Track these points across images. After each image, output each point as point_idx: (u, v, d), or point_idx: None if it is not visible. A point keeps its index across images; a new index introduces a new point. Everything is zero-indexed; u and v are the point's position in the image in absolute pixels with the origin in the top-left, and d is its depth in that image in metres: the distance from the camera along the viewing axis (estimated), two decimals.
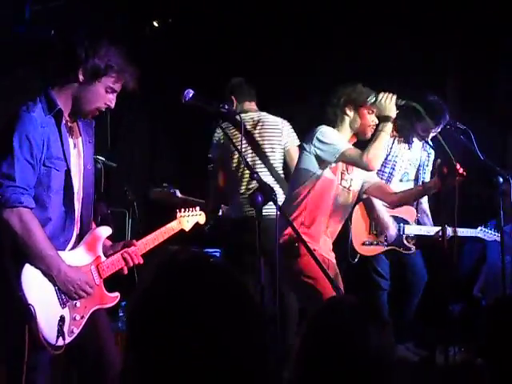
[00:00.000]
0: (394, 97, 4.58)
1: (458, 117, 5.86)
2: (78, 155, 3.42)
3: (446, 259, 4.67)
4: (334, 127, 4.67)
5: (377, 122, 4.67)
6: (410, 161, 5.72)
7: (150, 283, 1.58)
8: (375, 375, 1.93)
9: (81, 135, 3.45)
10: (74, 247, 3.42)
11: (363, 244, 5.56)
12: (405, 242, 5.67)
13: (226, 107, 3.84)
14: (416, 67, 6.84)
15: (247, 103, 5.73)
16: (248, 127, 5.57)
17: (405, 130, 5.60)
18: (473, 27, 6.87)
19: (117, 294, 3.54)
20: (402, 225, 5.67)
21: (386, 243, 5.62)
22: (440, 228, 5.24)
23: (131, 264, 3.54)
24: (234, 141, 5.32)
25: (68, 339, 3.28)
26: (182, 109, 5.63)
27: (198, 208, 4.20)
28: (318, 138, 4.54)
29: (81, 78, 3.28)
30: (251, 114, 5.65)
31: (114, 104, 3.42)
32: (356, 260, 5.52)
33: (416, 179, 5.81)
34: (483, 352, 2.33)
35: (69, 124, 3.38)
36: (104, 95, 3.36)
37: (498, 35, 6.79)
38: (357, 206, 5.52)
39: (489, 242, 6.53)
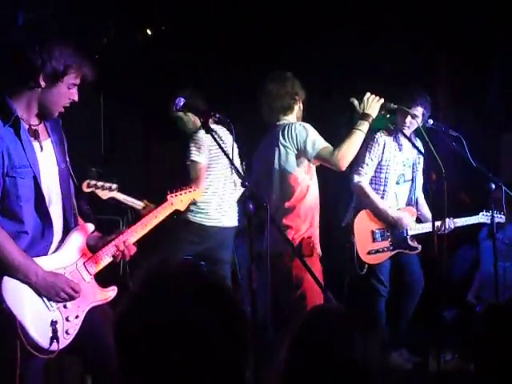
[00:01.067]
0: (381, 100, 4.63)
1: (450, 122, 5.89)
2: (47, 158, 3.37)
3: (437, 265, 4.67)
4: (286, 115, 4.78)
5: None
6: (403, 162, 5.73)
7: (138, 291, 1.59)
8: (362, 383, 1.93)
9: (50, 136, 3.40)
10: (58, 248, 3.39)
11: (369, 253, 5.50)
12: (410, 242, 5.65)
13: (217, 116, 3.85)
14: (406, 72, 6.86)
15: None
16: (224, 139, 5.58)
17: (392, 131, 5.61)
18: (463, 31, 6.89)
19: (113, 287, 3.51)
20: (382, 230, 5.63)
21: (391, 247, 5.59)
22: (441, 222, 5.25)
23: (123, 251, 3.48)
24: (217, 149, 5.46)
25: (65, 341, 3.27)
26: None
27: (192, 187, 4.13)
28: (300, 133, 4.64)
29: (42, 83, 3.23)
30: (216, 126, 5.58)
31: (77, 97, 3.34)
32: (365, 270, 5.48)
33: (412, 179, 5.81)
34: (475, 358, 2.33)
35: (33, 128, 3.32)
36: (67, 92, 3.30)
37: (488, 38, 6.81)
38: (357, 218, 5.51)
39: (482, 248, 6.56)
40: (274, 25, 7.23)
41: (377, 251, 5.54)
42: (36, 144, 3.32)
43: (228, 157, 5.09)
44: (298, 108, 4.84)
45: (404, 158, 5.72)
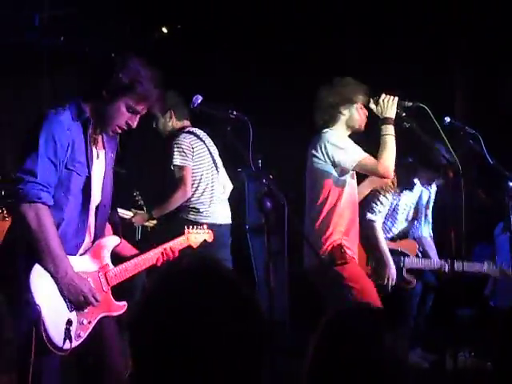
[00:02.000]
0: (396, 99, 4.59)
1: (466, 119, 5.86)
2: (99, 166, 3.46)
3: (454, 263, 4.66)
4: (328, 127, 4.67)
5: (366, 113, 4.69)
6: (411, 202, 5.72)
7: (152, 289, 1.60)
8: (390, 381, 1.92)
9: (104, 148, 3.50)
10: (85, 252, 3.44)
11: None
12: (405, 275, 5.52)
13: (235, 113, 3.85)
14: (422, 70, 6.84)
15: (187, 122, 5.79)
16: (205, 140, 5.71)
17: (404, 179, 5.56)
18: (479, 28, 6.86)
19: (124, 302, 3.54)
20: (401, 258, 5.55)
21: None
22: (442, 261, 5.25)
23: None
24: (206, 150, 5.62)
25: (75, 343, 3.29)
26: (191, 114, 5.73)
27: (205, 226, 4.25)
28: (332, 144, 4.54)
29: (104, 93, 3.32)
30: (197, 130, 5.75)
31: (135, 124, 3.44)
32: None
33: (415, 218, 5.79)
34: (495, 359, 2.31)
35: (93, 135, 3.41)
36: (124, 113, 3.37)
37: (505, 36, 6.77)
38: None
39: (498, 243, 6.54)
40: (289, 24, 7.22)
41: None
42: (94, 150, 3.42)
43: (213, 158, 5.30)
44: (349, 116, 4.70)
45: (412, 198, 5.71)
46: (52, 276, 3.21)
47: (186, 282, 1.56)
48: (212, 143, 5.78)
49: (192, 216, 5.57)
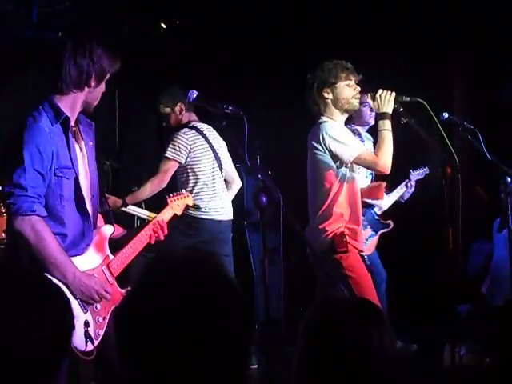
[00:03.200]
0: (393, 94, 4.57)
1: (466, 116, 5.85)
2: (82, 158, 3.46)
3: (452, 259, 4.65)
4: (322, 115, 4.65)
5: (359, 88, 4.65)
6: None
7: (137, 283, 1.60)
8: (377, 376, 1.91)
9: (83, 138, 3.49)
10: (89, 243, 3.46)
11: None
12: (382, 222, 5.78)
13: (230, 108, 3.84)
14: (422, 65, 6.83)
15: (193, 115, 5.84)
16: (209, 136, 5.74)
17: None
18: (480, 23, 6.84)
19: (129, 288, 3.55)
20: (371, 210, 5.69)
21: (374, 232, 5.62)
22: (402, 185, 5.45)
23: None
24: (207, 147, 5.64)
25: (96, 342, 3.30)
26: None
27: (183, 190, 4.33)
28: (330, 136, 4.52)
29: (93, 84, 3.36)
30: (202, 124, 5.79)
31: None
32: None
33: None
34: (494, 353, 2.30)
35: (73, 129, 3.41)
36: (100, 89, 3.46)
37: (505, 30, 6.75)
38: None
39: (496, 240, 6.54)
40: (290, 20, 7.21)
41: (367, 240, 5.55)
42: (77, 145, 3.42)
43: (216, 154, 5.28)
44: (333, 98, 4.64)
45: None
46: (61, 282, 3.19)
47: (173, 273, 1.55)
48: (218, 139, 5.78)
49: (191, 211, 5.56)
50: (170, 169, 5.62)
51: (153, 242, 3.67)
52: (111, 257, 3.52)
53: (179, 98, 5.73)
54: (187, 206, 4.28)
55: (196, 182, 5.63)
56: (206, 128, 5.76)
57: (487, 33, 6.81)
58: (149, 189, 5.62)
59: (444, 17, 6.90)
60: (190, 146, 5.62)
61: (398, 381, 1.94)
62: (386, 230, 5.80)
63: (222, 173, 5.79)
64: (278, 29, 7.20)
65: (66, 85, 3.33)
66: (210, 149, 5.70)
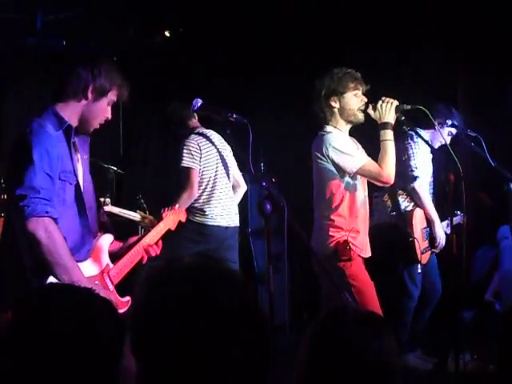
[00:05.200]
0: (395, 103, 4.57)
1: (469, 121, 5.85)
2: (81, 170, 3.49)
3: (456, 265, 4.65)
4: (327, 124, 4.66)
5: (365, 99, 4.64)
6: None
7: (151, 287, 1.60)
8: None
9: (78, 151, 3.51)
10: (86, 259, 3.47)
11: (422, 253, 5.44)
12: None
13: (234, 116, 3.85)
14: (426, 74, 6.84)
15: (194, 121, 5.81)
16: (216, 142, 5.71)
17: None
18: (483, 32, 6.85)
19: (128, 298, 3.58)
20: (427, 229, 5.58)
21: (428, 248, 5.53)
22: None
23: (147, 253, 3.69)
24: (214, 152, 5.63)
25: None
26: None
27: (176, 206, 4.34)
28: (334, 148, 4.52)
29: (90, 96, 3.39)
30: (208, 130, 5.74)
31: (110, 116, 3.55)
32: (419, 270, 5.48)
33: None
34: (498, 358, 2.30)
35: (72, 140, 3.44)
36: (106, 109, 3.49)
37: (509, 38, 6.76)
38: (414, 215, 5.45)
39: (502, 247, 6.53)
40: (293, 26, 7.22)
41: (425, 250, 5.50)
42: (74, 155, 3.44)
43: (223, 160, 5.26)
44: (340, 107, 4.64)
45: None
46: None
47: (187, 282, 1.56)
48: (224, 144, 5.76)
49: (198, 218, 5.57)
50: (193, 178, 5.56)
51: (145, 259, 3.70)
52: (111, 265, 3.54)
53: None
54: (180, 222, 4.30)
55: (204, 188, 5.61)
56: (212, 133, 5.74)
57: (491, 34, 6.81)
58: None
59: (447, 18, 6.90)
60: (201, 151, 5.60)
61: None
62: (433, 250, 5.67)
63: (229, 179, 5.78)
64: (282, 35, 7.21)
65: (65, 93, 3.38)
66: (217, 154, 5.69)
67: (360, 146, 4.80)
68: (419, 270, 5.50)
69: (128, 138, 7.86)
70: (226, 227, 5.64)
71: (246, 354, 1.53)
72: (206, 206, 5.58)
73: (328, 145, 4.52)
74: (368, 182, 4.73)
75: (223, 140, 5.77)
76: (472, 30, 6.98)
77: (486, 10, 6.77)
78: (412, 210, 5.48)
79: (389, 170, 4.49)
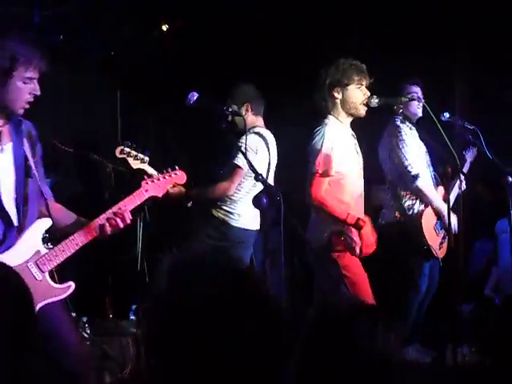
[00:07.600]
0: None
1: (467, 116, 5.84)
2: (5, 160, 3.37)
3: (454, 258, 4.66)
4: (329, 113, 4.65)
5: (368, 93, 4.63)
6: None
7: (162, 283, 1.59)
8: (381, 377, 1.91)
9: (11, 141, 3.39)
10: (7, 249, 3.34)
11: (439, 248, 5.43)
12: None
13: (230, 110, 3.85)
14: (424, 67, 6.82)
15: (260, 119, 5.57)
16: (271, 146, 5.46)
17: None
18: (482, 26, 6.84)
19: (69, 283, 3.42)
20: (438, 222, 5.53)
21: (444, 238, 5.46)
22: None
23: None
24: (266, 155, 5.40)
25: None
26: (192, 110, 5.71)
27: (169, 169, 3.98)
28: (329, 140, 4.58)
29: None
30: (266, 131, 5.51)
31: (39, 90, 3.33)
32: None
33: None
34: (492, 351, 2.31)
35: None
36: (25, 87, 3.29)
37: (508, 29, 6.75)
38: (424, 216, 5.40)
39: (500, 241, 6.52)
40: (293, 21, 7.21)
41: (441, 244, 5.45)
42: None
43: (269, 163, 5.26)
44: (342, 99, 4.66)
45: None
46: None
47: (211, 280, 1.56)
48: (275, 149, 5.52)
49: (221, 215, 5.38)
50: (237, 176, 5.30)
51: (108, 232, 3.44)
52: (43, 251, 3.38)
53: (248, 98, 5.45)
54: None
55: (242, 187, 5.39)
56: (268, 134, 5.49)
57: (490, 32, 6.80)
58: (214, 191, 5.34)
59: (446, 16, 6.89)
60: (257, 153, 5.34)
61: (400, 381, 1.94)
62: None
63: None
64: (281, 33, 7.21)
65: None
66: (268, 159, 5.45)
67: (356, 141, 4.80)
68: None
69: (126, 134, 7.85)
70: (247, 229, 5.35)
71: (267, 353, 1.54)
72: (234, 207, 5.36)
73: (324, 137, 4.56)
74: (365, 176, 4.76)
75: (275, 143, 5.54)
76: (471, 28, 6.98)
77: (485, 8, 6.77)
78: (419, 213, 5.40)
79: None
